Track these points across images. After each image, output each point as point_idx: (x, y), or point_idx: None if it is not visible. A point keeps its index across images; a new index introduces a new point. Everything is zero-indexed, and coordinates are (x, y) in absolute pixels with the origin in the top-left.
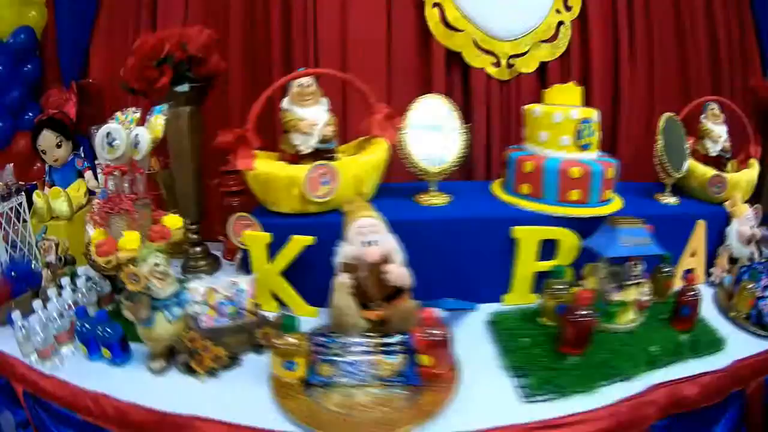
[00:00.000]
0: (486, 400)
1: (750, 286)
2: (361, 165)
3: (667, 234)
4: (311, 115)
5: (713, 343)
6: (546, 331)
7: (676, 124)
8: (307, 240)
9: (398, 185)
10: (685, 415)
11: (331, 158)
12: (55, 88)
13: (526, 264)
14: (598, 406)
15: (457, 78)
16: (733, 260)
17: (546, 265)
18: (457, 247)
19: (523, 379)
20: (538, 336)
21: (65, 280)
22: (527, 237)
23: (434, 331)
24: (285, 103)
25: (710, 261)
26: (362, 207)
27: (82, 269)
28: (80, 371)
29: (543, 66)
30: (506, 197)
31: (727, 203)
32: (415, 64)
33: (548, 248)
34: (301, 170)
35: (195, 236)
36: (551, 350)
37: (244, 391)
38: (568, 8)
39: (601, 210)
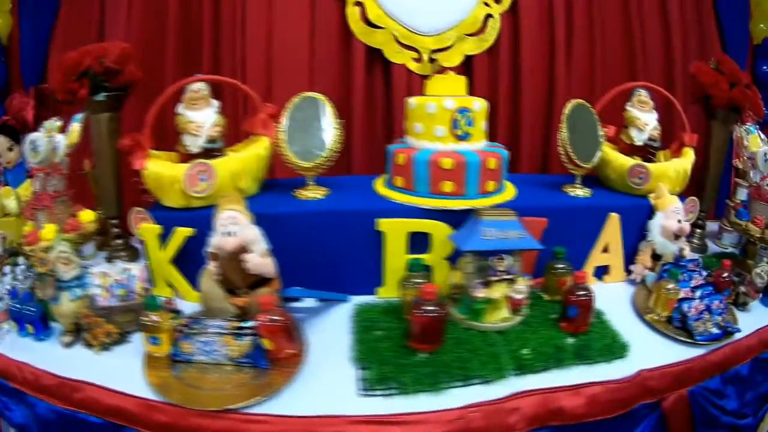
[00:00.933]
0: (325, 389)
1: (670, 286)
2: (237, 162)
3: (576, 228)
4: (199, 118)
5: (610, 349)
6: (402, 326)
7: (585, 112)
8: (187, 231)
9: (285, 181)
10: (574, 427)
11: (218, 156)
12: (18, 93)
13: (396, 257)
14: (444, 407)
15: (378, 74)
16: (658, 257)
17: (426, 259)
18: (329, 240)
19: (366, 371)
20: (394, 330)
21: (7, 268)
22: (393, 229)
23: (275, 318)
24: (179, 107)
25: (632, 257)
26: (231, 201)
27: (22, 259)
28: (13, 345)
29: (470, 60)
30: (383, 190)
31: (651, 195)
32: (336, 62)
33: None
34: (182, 169)
35: (116, 229)
36: (402, 345)
37: (128, 363)
38: (497, 0)
39: (480, 202)
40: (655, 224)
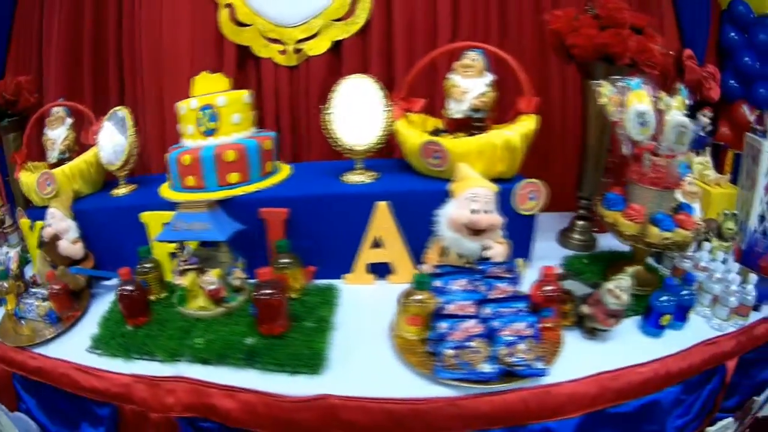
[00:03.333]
0: (81, 341)
1: (417, 297)
2: (72, 168)
3: (341, 219)
4: (53, 135)
5: (298, 361)
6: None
7: (367, 88)
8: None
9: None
10: None
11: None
12: None
13: (161, 247)
14: (121, 371)
15: (251, 72)
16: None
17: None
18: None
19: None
20: None
21: None
22: (154, 221)
23: (54, 286)
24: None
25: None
26: (57, 200)
27: None
28: None
29: (339, 46)
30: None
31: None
32: (211, 64)
33: None
34: (35, 177)
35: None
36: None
37: None
38: None
39: (194, 196)
40: (443, 215)
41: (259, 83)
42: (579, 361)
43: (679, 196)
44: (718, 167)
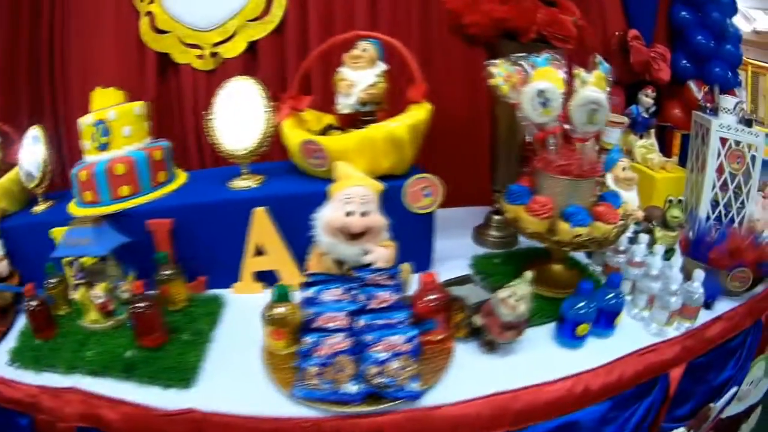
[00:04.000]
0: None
1: (281, 309)
2: None
3: (221, 228)
4: None
5: (169, 374)
6: None
7: (249, 90)
8: None
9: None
10: None
11: None
12: None
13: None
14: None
15: (171, 79)
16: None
17: None
18: None
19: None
20: None
21: None
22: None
23: None
24: None
25: None
26: None
27: None
28: None
29: (255, 47)
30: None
31: None
32: (133, 73)
33: None
34: None
35: None
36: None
37: None
38: None
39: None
40: (319, 219)
41: (179, 89)
42: (473, 378)
43: (611, 183)
44: (665, 150)
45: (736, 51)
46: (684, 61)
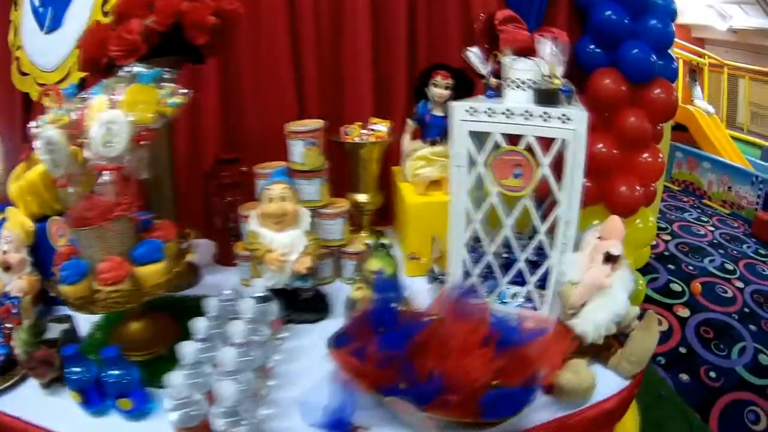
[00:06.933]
0: None
1: None
2: None
3: None
4: None
5: None
6: None
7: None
8: None
9: None
10: None
11: None
12: None
13: None
14: None
15: (32, 116)
16: None
17: None
18: None
19: None
20: None
21: None
22: None
23: None
24: None
25: None
26: None
27: None
28: None
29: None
30: None
31: None
32: (5, 110)
33: None
34: None
35: None
36: None
37: None
38: (105, 14)
39: None
40: None
41: None
42: None
43: (254, 222)
44: None
45: (664, 27)
46: (591, 46)
